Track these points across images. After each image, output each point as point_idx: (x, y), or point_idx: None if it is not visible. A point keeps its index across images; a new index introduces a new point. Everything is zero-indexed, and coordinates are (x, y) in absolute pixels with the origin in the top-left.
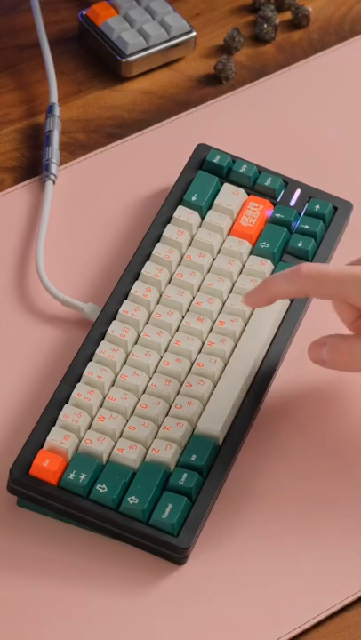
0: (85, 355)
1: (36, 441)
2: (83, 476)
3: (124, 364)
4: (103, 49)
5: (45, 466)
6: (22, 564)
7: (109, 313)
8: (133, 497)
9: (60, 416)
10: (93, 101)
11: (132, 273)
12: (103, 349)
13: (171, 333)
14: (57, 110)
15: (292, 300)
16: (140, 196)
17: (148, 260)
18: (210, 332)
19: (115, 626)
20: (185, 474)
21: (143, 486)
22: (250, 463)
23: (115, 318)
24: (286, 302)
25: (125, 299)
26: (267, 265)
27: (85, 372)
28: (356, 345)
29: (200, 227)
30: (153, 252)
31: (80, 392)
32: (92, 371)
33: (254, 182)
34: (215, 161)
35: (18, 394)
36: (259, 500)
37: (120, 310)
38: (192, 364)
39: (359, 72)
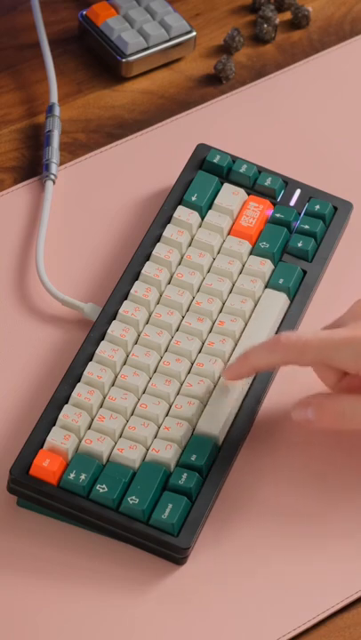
0: (85, 355)
1: (36, 441)
2: (83, 476)
3: (124, 364)
4: (103, 49)
5: (45, 466)
6: (22, 564)
7: (109, 313)
8: (133, 497)
9: (60, 416)
10: (93, 101)
11: (132, 273)
12: (103, 349)
13: (171, 333)
14: (57, 110)
15: (291, 301)
16: (140, 196)
17: (148, 259)
18: (210, 332)
19: (115, 626)
20: (185, 474)
21: (143, 486)
22: (250, 463)
23: (115, 318)
24: (286, 302)
25: (125, 299)
26: (267, 265)
27: (85, 372)
28: (343, 402)
29: (200, 227)
30: (153, 252)
31: (80, 392)
32: (92, 371)
33: (254, 182)
34: (215, 161)
35: (18, 394)
36: (259, 499)
37: (120, 310)
38: (192, 364)
39: (359, 72)
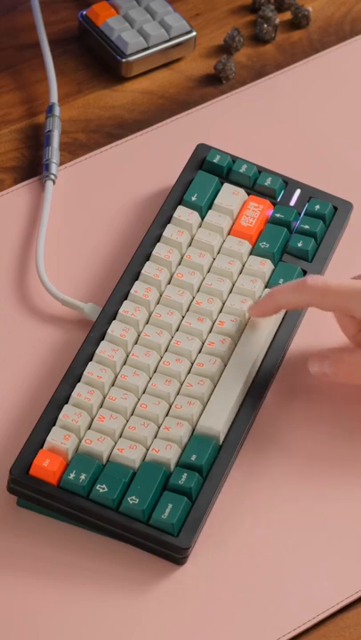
0: (85, 355)
1: (36, 441)
2: (83, 476)
3: (124, 364)
4: (103, 49)
5: (45, 466)
6: (22, 564)
7: (109, 313)
8: (133, 497)
9: (60, 416)
10: (93, 101)
11: (132, 273)
12: (103, 349)
13: (171, 333)
14: (57, 110)
15: None
16: (140, 196)
17: (148, 259)
18: (210, 332)
19: (115, 626)
20: (185, 474)
21: (143, 486)
22: (250, 463)
23: (115, 318)
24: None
25: (125, 299)
26: (267, 265)
27: (85, 372)
28: (359, 356)
29: (200, 227)
30: (153, 252)
31: (80, 392)
32: (92, 371)
33: (254, 182)
34: (215, 161)
35: (18, 394)
36: (258, 500)
37: (120, 310)
38: (192, 364)
39: (359, 72)
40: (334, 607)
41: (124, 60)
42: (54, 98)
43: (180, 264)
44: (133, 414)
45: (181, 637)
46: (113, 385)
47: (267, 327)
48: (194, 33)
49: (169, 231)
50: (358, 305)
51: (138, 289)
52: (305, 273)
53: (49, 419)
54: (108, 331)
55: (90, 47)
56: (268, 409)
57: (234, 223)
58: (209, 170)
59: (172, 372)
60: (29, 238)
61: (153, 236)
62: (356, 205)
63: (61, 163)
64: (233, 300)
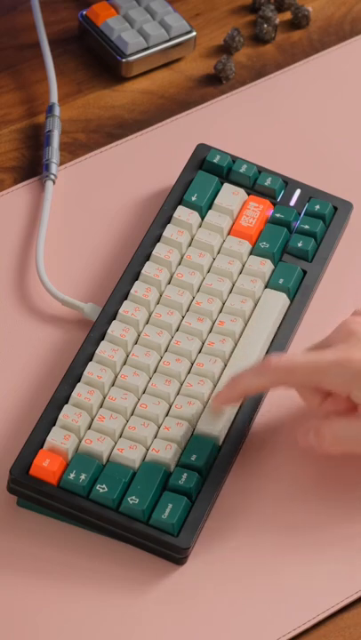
0: (85, 355)
1: (36, 441)
2: (83, 476)
3: (124, 363)
4: (103, 49)
5: (45, 466)
6: (22, 564)
7: (109, 313)
8: (133, 497)
9: (60, 416)
10: (93, 101)
11: (132, 273)
12: (103, 349)
13: (171, 333)
14: (57, 110)
15: (291, 301)
16: (140, 196)
17: (148, 259)
18: (210, 332)
19: (115, 626)
20: (185, 474)
21: (143, 486)
22: (250, 463)
23: (115, 318)
24: (286, 302)
25: (125, 299)
26: (267, 265)
27: (85, 372)
28: (335, 426)
29: (200, 227)
30: (153, 252)
31: (80, 392)
32: (92, 371)
33: (254, 182)
34: (215, 161)
35: (18, 394)
36: (258, 500)
37: (120, 310)
38: (192, 364)
39: (359, 72)
40: (334, 607)
41: (124, 60)
42: (54, 98)
43: (180, 264)
44: (133, 414)
45: (181, 637)
46: (113, 385)
47: (267, 326)
48: (194, 33)
49: (169, 231)
50: (327, 378)
51: (138, 289)
52: (305, 273)
53: (49, 419)
54: (108, 331)
55: (90, 47)
56: (268, 409)
57: (234, 223)
58: (209, 170)
59: (172, 372)
60: (29, 238)
61: (153, 236)
62: (357, 205)
63: (61, 163)
64: (233, 299)
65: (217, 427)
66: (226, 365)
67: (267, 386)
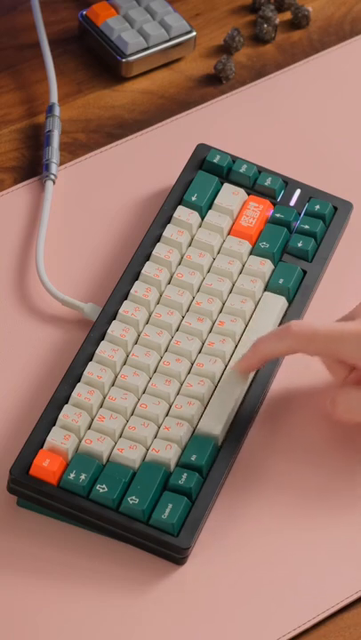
0: (85, 355)
1: (36, 441)
2: (83, 476)
3: (124, 363)
4: (103, 49)
5: (45, 466)
6: (22, 564)
7: (109, 313)
8: (133, 497)
9: (60, 416)
10: (93, 101)
11: (132, 273)
12: (103, 349)
13: (171, 333)
14: (57, 110)
15: (291, 301)
16: (140, 196)
17: (148, 259)
18: (210, 332)
19: (115, 626)
20: (185, 474)
21: (143, 486)
22: (250, 463)
23: (115, 318)
24: (286, 303)
25: (125, 299)
26: (267, 265)
27: (85, 372)
28: (350, 396)
29: (200, 227)
30: (153, 252)
31: (80, 392)
32: (92, 371)
33: (254, 182)
34: (215, 161)
35: (18, 394)
36: (259, 500)
37: (120, 310)
38: (192, 364)
39: (359, 72)
40: (334, 607)
41: (124, 60)
42: (54, 98)
43: (180, 264)
44: (133, 414)
45: (181, 637)
46: (113, 385)
47: (267, 327)
48: (194, 33)
49: (169, 231)
50: (346, 348)
51: (138, 289)
52: (305, 273)
53: (49, 419)
54: (108, 331)
55: (90, 47)
56: (268, 409)
57: (234, 223)
58: (209, 170)
59: (172, 372)
60: (29, 238)
61: (153, 236)
62: (357, 205)
63: (61, 163)
64: (233, 299)
65: (217, 427)
66: (226, 365)
67: (287, 351)
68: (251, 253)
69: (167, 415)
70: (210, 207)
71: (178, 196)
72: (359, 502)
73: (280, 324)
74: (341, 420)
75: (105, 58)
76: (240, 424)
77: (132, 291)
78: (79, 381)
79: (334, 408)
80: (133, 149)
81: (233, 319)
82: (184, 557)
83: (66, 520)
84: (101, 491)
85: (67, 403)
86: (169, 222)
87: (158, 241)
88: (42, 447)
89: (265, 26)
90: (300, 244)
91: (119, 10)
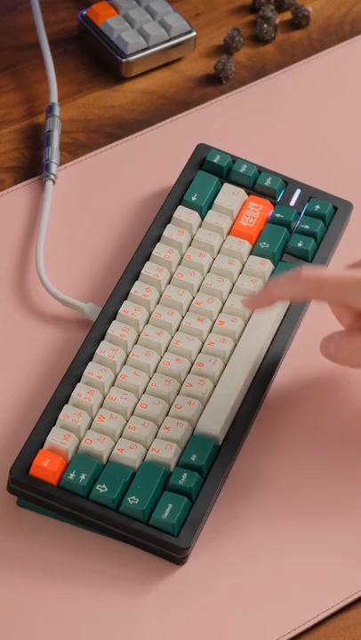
0: (85, 355)
1: (36, 441)
2: (83, 476)
3: (124, 364)
4: (103, 49)
5: (45, 466)
6: (22, 564)
7: (109, 313)
8: (133, 497)
9: (60, 416)
10: (93, 101)
11: (132, 273)
12: (103, 349)
13: (171, 333)
14: (57, 110)
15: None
16: (140, 196)
17: (148, 259)
18: (210, 332)
19: (115, 626)
20: (185, 474)
21: (143, 486)
22: (250, 463)
23: (115, 318)
24: (286, 303)
25: (125, 299)
26: (267, 265)
27: (85, 372)
28: (357, 342)
29: (200, 227)
30: (153, 252)
31: (80, 392)
32: (92, 371)
33: (254, 182)
34: (215, 161)
35: (18, 394)
36: (259, 500)
37: (120, 310)
38: (192, 364)
39: (359, 72)
40: (334, 607)
41: (124, 60)
42: (54, 98)
43: (180, 264)
44: (133, 414)
45: (181, 637)
46: (113, 385)
47: (267, 326)
48: (194, 33)
49: (169, 231)
50: (355, 294)
51: (138, 289)
52: None
53: (49, 419)
54: (108, 331)
55: (90, 47)
56: (268, 408)
57: (234, 223)
58: (209, 170)
59: (172, 372)
60: (29, 238)
61: (153, 236)
62: (357, 205)
63: (61, 163)
64: (233, 299)
65: (217, 427)
66: (226, 365)
67: (297, 296)
68: (251, 253)
69: (167, 415)
70: (210, 207)
71: (178, 196)
72: (359, 502)
73: (280, 324)
74: (343, 364)
75: (105, 58)
76: (240, 424)
77: (132, 291)
78: (79, 381)
79: (338, 352)
80: (133, 149)
81: (233, 319)
82: (184, 557)
83: (66, 520)
84: (101, 491)
85: (67, 403)
86: (169, 222)
87: (158, 241)
88: (42, 447)
89: (265, 26)
90: (300, 244)
91: (119, 10)
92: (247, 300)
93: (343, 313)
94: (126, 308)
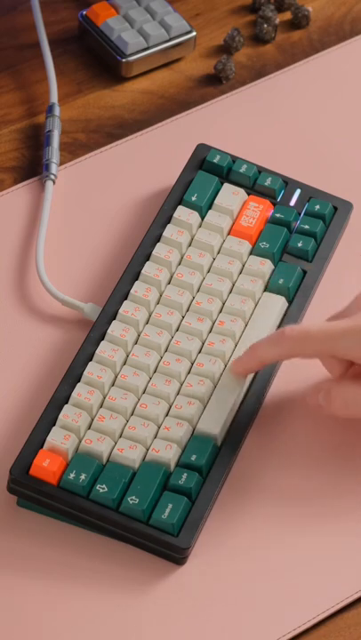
0: (85, 355)
1: (36, 441)
2: (83, 476)
3: (124, 363)
4: (103, 49)
5: (45, 466)
6: (22, 564)
7: (109, 313)
8: (133, 497)
9: (60, 416)
10: (93, 101)
11: (132, 273)
12: (103, 349)
13: (171, 333)
14: (57, 110)
15: (291, 301)
16: (140, 196)
17: (148, 259)
18: (210, 332)
19: (115, 626)
20: (185, 474)
21: (143, 486)
22: (250, 463)
23: (115, 318)
24: (286, 303)
25: (125, 299)
26: (267, 265)
27: (85, 372)
28: (348, 392)
29: (200, 227)
30: (153, 252)
31: (80, 392)
32: (92, 371)
33: (254, 182)
34: (215, 161)
35: (18, 394)
36: (259, 499)
37: (120, 310)
38: (192, 364)
39: (359, 72)
40: (334, 607)
41: (124, 60)
42: (54, 98)
43: (180, 264)
44: (133, 414)
45: (181, 637)
46: (113, 385)
47: (267, 326)
48: (194, 33)
49: (169, 231)
50: (341, 345)
51: (138, 289)
52: (305, 273)
53: (49, 419)
54: (108, 331)
55: (90, 47)
56: (268, 409)
57: (234, 223)
58: (209, 170)
59: (172, 372)
60: (29, 238)
61: (153, 236)
62: (357, 205)
63: (61, 163)
64: (233, 299)
65: (217, 427)
66: (226, 365)
67: (282, 355)
68: (251, 253)
69: (167, 415)
70: (210, 207)
71: (178, 196)
72: (358, 503)
73: (280, 324)
74: (334, 415)
75: (105, 58)
76: (240, 424)
77: (132, 291)
78: (79, 381)
79: (330, 402)
80: (133, 149)
81: (233, 319)
82: (184, 557)
83: (66, 520)
84: (101, 491)
85: (67, 403)
86: (169, 222)
87: (158, 241)
88: (42, 447)
89: (265, 26)
90: (300, 244)
91: (119, 10)
92: (234, 363)
93: (333, 364)
94: (126, 307)
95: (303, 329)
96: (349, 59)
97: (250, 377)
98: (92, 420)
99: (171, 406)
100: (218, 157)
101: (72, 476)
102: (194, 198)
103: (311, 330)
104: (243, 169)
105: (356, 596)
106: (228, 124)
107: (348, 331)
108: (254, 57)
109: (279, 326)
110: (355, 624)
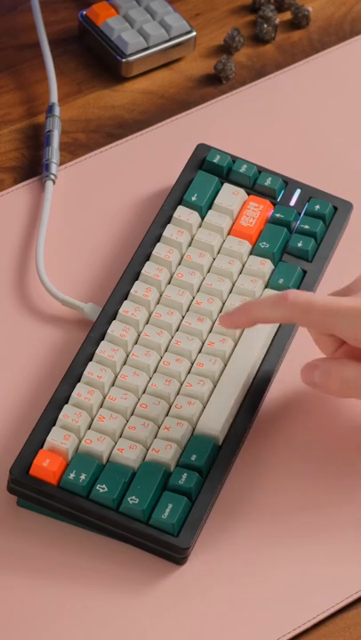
0: (85, 355)
1: (36, 441)
2: (83, 476)
3: (124, 364)
4: (103, 49)
5: (45, 466)
6: (22, 564)
7: (109, 313)
8: (133, 497)
9: (60, 416)
10: (93, 101)
11: (132, 273)
12: (103, 349)
13: (171, 333)
14: (57, 110)
15: None
16: (140, 196)
17: (148, 259)
18: (210, 332)
19: (115, 626)
20: (185, 474)
21: (143, 486)
22: (250, 463)
23: (115, 318)
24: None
25: (125, 299)
26: (267, 265)
27: (85, 372)
28: (347, 371)
29: (200, 227)
30: (153, 252)
31: (80, 392)
32: (92, 371)
33: (254, 182)
34: (215, 161)
35: (18, 394)
36: (259, 499)
37: (120, 310)
38: (192, 364)
39: (359, 72)
40: (334, 607)
41: (124, 60)
42: (54, 98)
43: (180, 264)
44: (133, 414)
45: (181, 637)
46: (113, 385)
47: (267, 326)
48: (194, 33)
49: (169, 231)
50: (340, 323)
51: (138, 289)
52: (305, 273)
53: (49, 419)
54: (108, 331)
55: (90, 47)
56: (268, 408)
57: (234, 223)
58: (209, 170)
59: (172, 372)
60: (29, 238)
61: (153, 236)
62: (357, 205)
63: (61, 163)
64: (233, 300)
65: (217, 427)
66: (226, 365)
67: (281, 320)
68: (251, 253)
69: (167, 415)
70: (210, 207)
71: (178, 196)
72: (358, 503)
73: (280, 324)
74: (332, 394)
75: (105, 58)
76: (240, 424)
77: (132, 291)
78: (79, 381)
79: (327, 381)
80: (133, 149)
81: None
82: (184, 557)
83: (66, 520)
84: (101, 491)
85: (67, 403)
86: (169, 222)
87: (158, 241)
88: (42, 447)
89: (265, 26)
90: (300, 244)
91: (119, 10)
92: (224, 316)
93: (324, 340)
94: (126, 307)
95: (307, 298)
96: (349, 59)
97: (250, 370)
98: (92, 420)
99: (171, 406)
100: (218, 157)
101: (72, 476)
102: (194, 198)
103: (315, 301)
104: (243, 169)
105: (356, 596)
106: (228, 124)
107: (350, 309)
108: (254, 57)
109: (280, 326)
110: (355, 624)
